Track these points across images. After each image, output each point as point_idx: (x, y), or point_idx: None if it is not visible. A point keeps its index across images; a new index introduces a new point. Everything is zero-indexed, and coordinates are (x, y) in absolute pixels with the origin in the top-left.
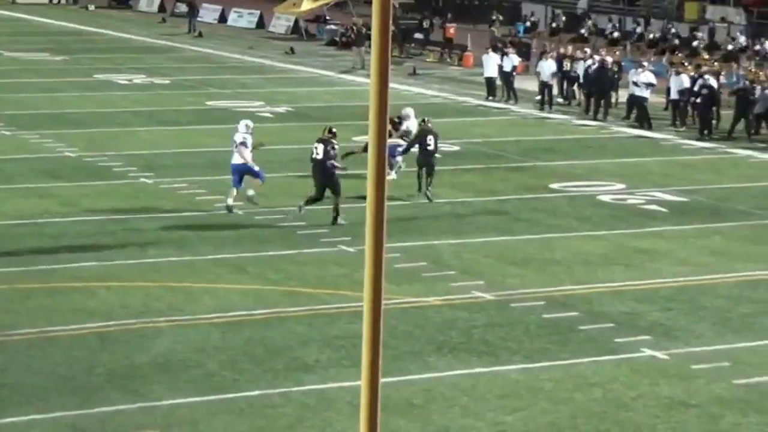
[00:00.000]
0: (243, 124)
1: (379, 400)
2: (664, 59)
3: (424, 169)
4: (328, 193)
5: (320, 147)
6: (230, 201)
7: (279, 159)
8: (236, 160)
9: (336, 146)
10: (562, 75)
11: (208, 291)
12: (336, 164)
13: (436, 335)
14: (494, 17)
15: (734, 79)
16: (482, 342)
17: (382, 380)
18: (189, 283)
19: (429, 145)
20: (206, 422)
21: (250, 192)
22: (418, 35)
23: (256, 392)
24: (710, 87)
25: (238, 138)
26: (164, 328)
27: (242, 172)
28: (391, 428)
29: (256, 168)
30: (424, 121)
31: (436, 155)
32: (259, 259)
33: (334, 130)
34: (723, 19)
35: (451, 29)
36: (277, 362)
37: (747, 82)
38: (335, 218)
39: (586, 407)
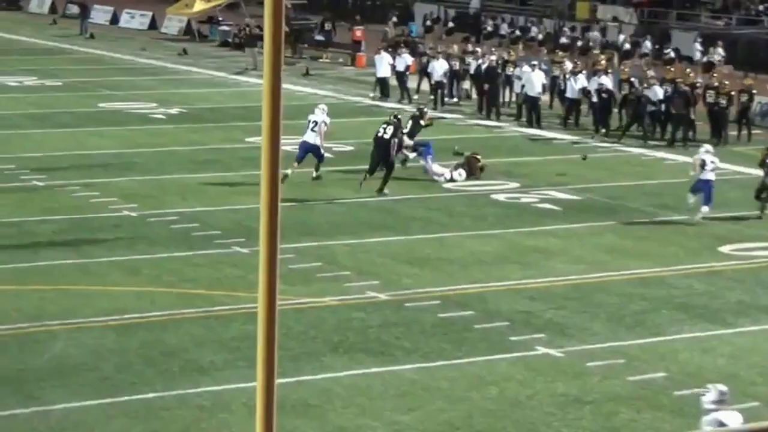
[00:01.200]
0: (321, 108)
1: (275, 401)
2: (552, 58)
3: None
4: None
5: (390, 129)
6: (289, 171)
7: (172, 160)
8: (309, 138)
9: (404, 131)
10: (452, 74)
11: (102, 294)
12: (406, 148)
13: (331, 336)
14: (392, 17)
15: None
16: (378, 342)
17: (278, 381)
18: (83, 286)
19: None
20: (102, 426)
21: (315, 173)
22: (319, 37)
23: (152, 395)
24: (608, 90)
25: (318, 118)
26: (58, 331)
27: (309, 150)
28: (287, 429)
29: (323, 150)
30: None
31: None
32: (153, 261)
33: (399, 116)
34: (615, 19)
35: (358, 32)
36: (172, 364)
37: (637, 84)
38: (381, 189)
39: (482, 406)
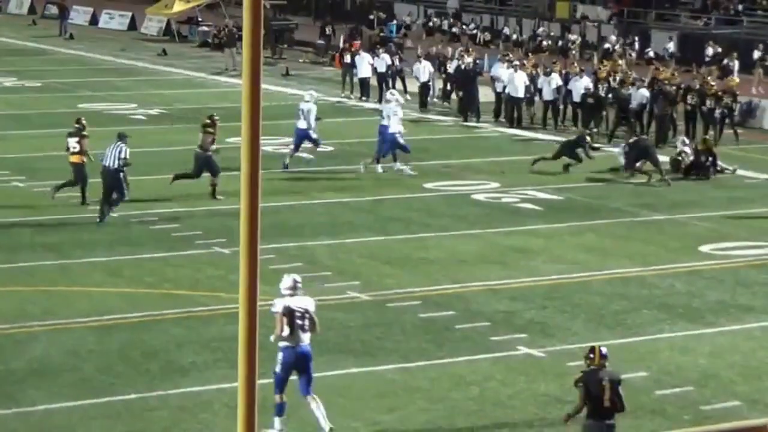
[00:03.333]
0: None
1: (256, 401)
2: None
3: None
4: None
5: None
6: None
7: (152, 161)
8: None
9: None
10: (434, 75)
11: (83, 294)
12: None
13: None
14: (374, 17)
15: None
16: (359, 342)
17: (258, 382)
18: (64, 287)
19: None
20: (82, 426)
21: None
22: (320, 42)
23: (133, 395)
24: (596, 94)
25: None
26: (39, 332)
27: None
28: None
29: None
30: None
31: None
32: (134, 261)
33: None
34: (594, 19)
35: (357, 44)
36: (153, 365)
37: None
38: (662, 179)
39: (463, 406)
